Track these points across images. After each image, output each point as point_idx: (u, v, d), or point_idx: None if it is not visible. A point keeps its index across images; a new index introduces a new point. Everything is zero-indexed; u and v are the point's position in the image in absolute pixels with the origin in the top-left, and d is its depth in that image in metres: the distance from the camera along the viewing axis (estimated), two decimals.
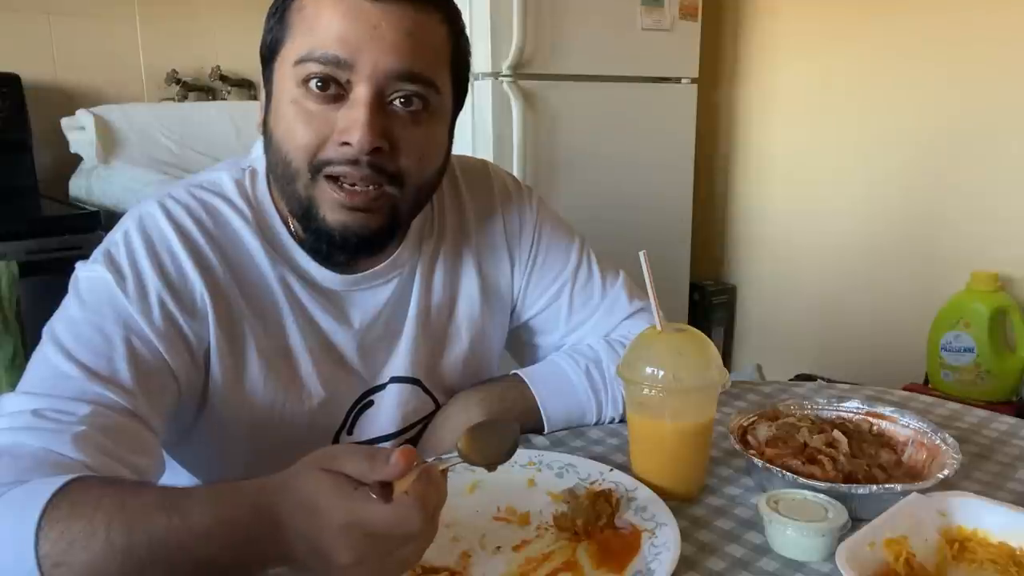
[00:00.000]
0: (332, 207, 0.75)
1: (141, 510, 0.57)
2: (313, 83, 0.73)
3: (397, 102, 0.74)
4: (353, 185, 0.74)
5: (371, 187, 0.74)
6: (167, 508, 0.56)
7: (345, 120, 0.73)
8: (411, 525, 0.54)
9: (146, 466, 0.70)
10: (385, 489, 0.54)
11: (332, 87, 0.73)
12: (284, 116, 0.75)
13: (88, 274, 0.76)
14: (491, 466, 0.61)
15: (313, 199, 0.75)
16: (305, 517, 0.55)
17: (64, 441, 0.64)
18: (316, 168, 0.74)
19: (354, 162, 0.73)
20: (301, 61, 0.73)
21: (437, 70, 0.77)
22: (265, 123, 0.79)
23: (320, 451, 0.58)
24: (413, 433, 0.92)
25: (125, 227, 0.79)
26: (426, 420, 0.93)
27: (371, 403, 0.89)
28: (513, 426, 0.63)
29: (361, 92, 0.72)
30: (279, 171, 0.77)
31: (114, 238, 0.78)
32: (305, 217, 0.77)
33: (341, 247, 0.78)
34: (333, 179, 0.74)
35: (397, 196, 0.77)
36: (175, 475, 0.85)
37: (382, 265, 0.86)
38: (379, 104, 0.73)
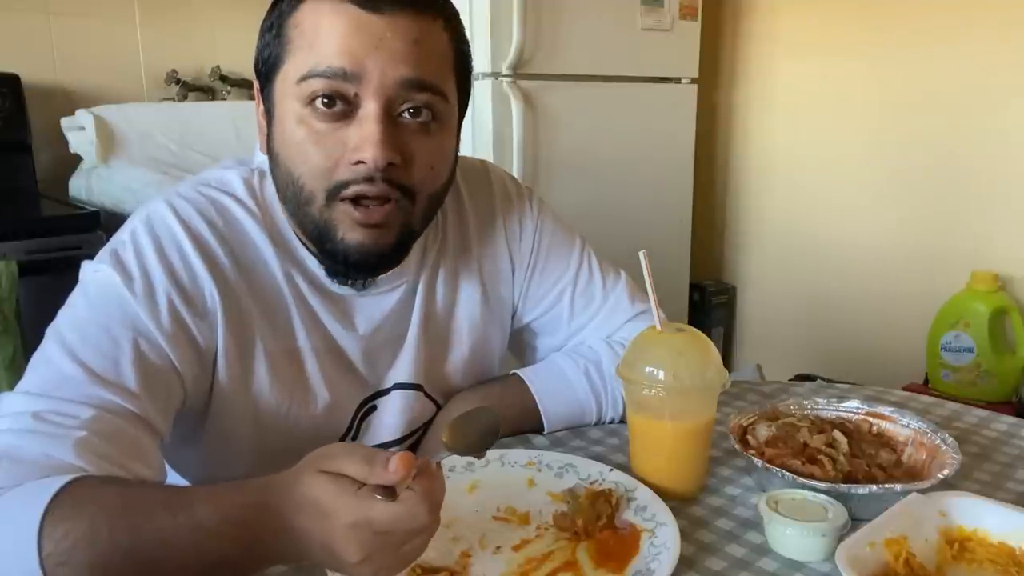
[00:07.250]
0: (350, 227, 0.74)
1: (146, 509, 0.57)
2: (319, 101, 0.71)
3: (406, 114, 0.73)
4: (368, 203, 0.73)
5: (386, 203, 0.73)
6: (172, 507, 0.57)
7: (357, 137, 0.71)
8: (419, 520, 0.55)
9: (147, 473, 0.69)
10: (387, 489, 0.55)
11: (339, 104, 0.71)
12: (292, 138, 0.73)
13: (94, 274, 0.74)
14: (478, 454, 0.63)
15: (329, 221, 0.74)
16: (313, 518, 0.55)
17: (65, 447, 0.63)
18: (333, 192, 0.73)
19: (369, 179, 0.71)
20: (305, 78, 0.71)
21: (444, 78, 0.75)
22: (269, 144, 0.77)
23: (319, 451, 0.58)
24: (415, 439, 0.92)
25: (132, 226, 0.77)
26: (427, 425, 0.93)
27: (374, 408, 0.88)
28: (492, 411, 0.65)
29: (371, 107, 0.70)
30: (290, 194, 0.75)
31: (121, 237, 0.76)
32: (320, 239, 0.76)
33: (358, 266, 0.77)
34: (350, 199, 0.73)
35: (409, 209, 0.76)
36: (175, 479, 0.85)
37: (388, 274, 0.84)
38: (389, 117, 0.71)
